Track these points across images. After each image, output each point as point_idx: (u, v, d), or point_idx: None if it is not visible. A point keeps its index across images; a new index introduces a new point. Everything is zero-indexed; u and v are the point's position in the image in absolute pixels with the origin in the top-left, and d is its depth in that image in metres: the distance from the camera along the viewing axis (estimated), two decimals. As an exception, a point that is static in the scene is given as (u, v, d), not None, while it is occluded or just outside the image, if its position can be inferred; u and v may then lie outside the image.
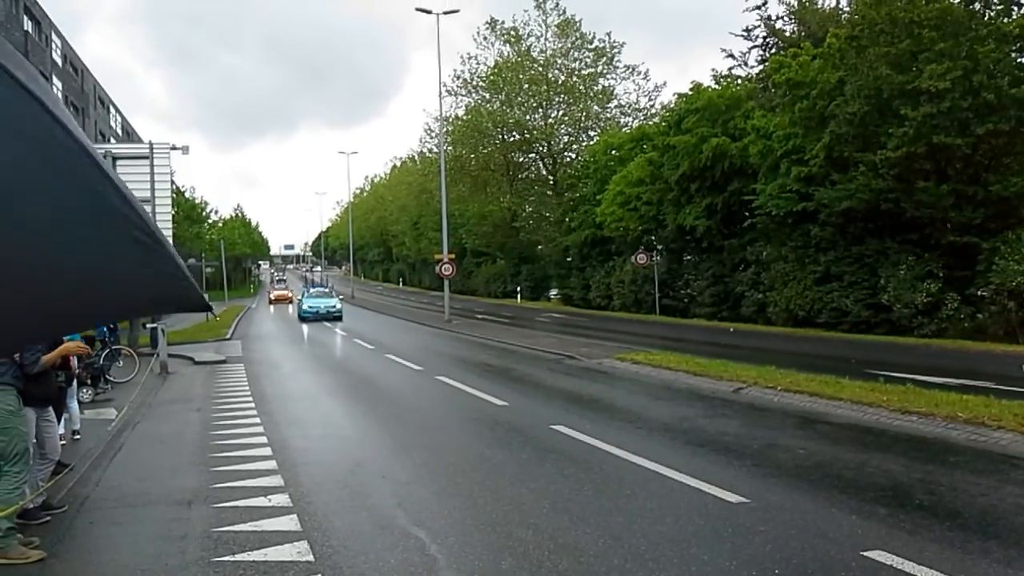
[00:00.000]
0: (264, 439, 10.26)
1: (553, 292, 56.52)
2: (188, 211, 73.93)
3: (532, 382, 16.09)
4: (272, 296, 67.85)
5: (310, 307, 40.97)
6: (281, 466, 8.67)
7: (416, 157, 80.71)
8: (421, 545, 6.01)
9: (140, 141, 56.64)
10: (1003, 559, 5.41)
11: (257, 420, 11.80)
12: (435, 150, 55.57)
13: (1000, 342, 21.12)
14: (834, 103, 25.69)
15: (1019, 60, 23.71)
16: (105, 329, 18.05)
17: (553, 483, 7.76)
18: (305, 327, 36.58)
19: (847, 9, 31.21)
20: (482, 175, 58.30)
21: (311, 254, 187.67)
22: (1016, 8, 23.61)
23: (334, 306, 41.18)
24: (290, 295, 66.91)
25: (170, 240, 21.72)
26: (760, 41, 35.31)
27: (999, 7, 24.02)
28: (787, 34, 34.14)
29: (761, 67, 33.77)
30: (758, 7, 34.79)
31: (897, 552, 5.50)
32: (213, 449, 9.73)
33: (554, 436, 10.07)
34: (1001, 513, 6.51)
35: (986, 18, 24.09)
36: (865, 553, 5.51)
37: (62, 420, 9.26)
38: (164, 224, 22.52)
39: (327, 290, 48.26)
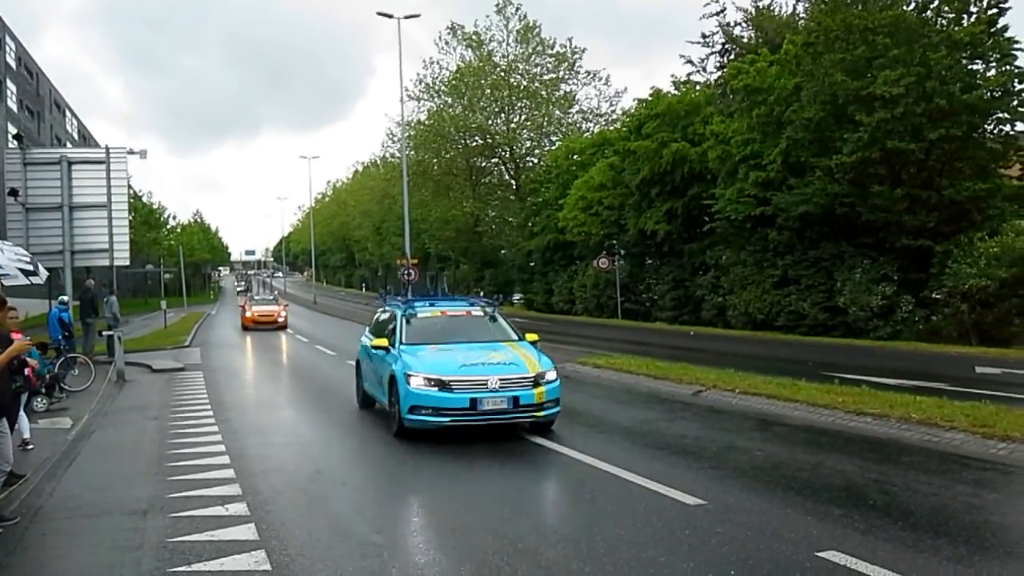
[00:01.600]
0: (222, 447, 10.13)
1: (516, 296, 56.56)
2: (145, 216, 73.01)
3: (494, 387, 16.03)
4: (251, 314, 39.56)
5: (443, 380, 10.08)
6: (239, 475, 8.58)
7: (379, 162, 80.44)
8: (380, 552, 5.99)
9: (97, 145, 55.82)
10: (953, 557, 5.52)
11: (215, 428, 11.65)
12: (397, 155, 55.39)
13: (953, 344, 21.51)
14: (791, 109, 26.04)
15: (970, 67, 24.23)
16: (60, 336, 17.74)
17: (513, 488, 7.77)
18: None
19: (803, 16, 31.70)
20: (445, 180, 58.21)
21: (272, 260, 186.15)
22: (967, 16, 24.11)
23: (526, 373, 10.21)
24: (280, 315, 39.53)
25: (127, 246, 21.28)
26: (718, 47, 35.76)
27: (951, 15, 24.53)
28: (745, 40, 34.57)
29: (719, 73, 34.17)
30: (716, 14, 35.23)
31: (851, 552, 5.57)
32: (170, 458, 9.59)
33: (516, 441, 10.07)
34: (952, 512, 6.64)
35: (938, 26, 24.58)
36: (820, 553, 5.58)
37: (14, 430, 9.09)
38: (121, 230, 22.19)
39: (480, 308, 12.68)
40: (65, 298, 19.61)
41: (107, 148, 22.58)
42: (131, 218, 31.45)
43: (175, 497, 7.68)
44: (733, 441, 9.86)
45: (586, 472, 8.38)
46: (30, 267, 13.63)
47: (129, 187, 30.15)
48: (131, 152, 24.84)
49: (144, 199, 77.36)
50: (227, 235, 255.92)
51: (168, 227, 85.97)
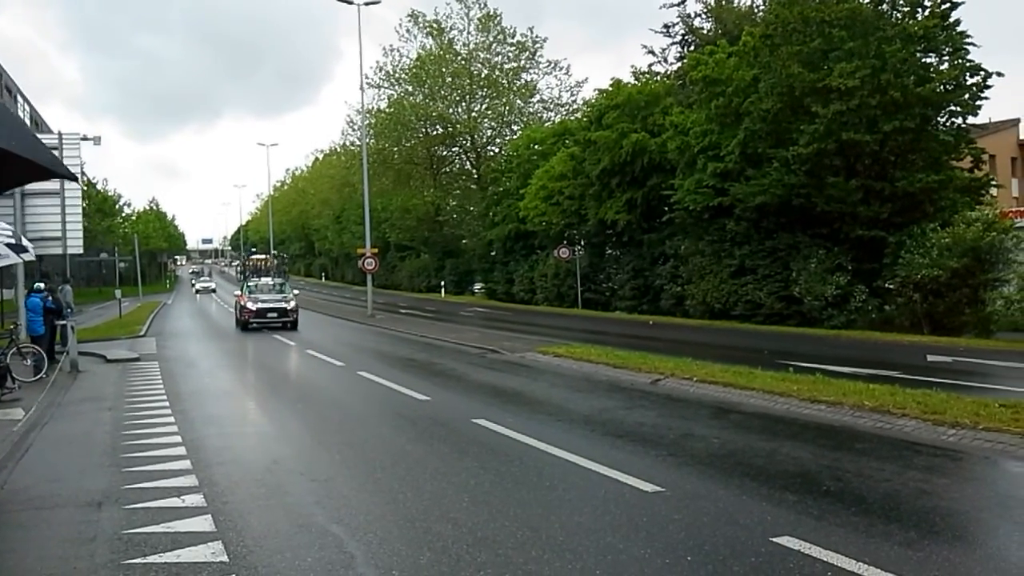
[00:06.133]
0: (178, 438, 10.01)
1: (477, 286, 56.54)
2: (99, 204, 71.70)
3: (455, 376, 16.08)
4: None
5: None
6: (196, 466, 8.48)
7: (339, 149, 79.80)
8: (339, 542, 5.97)
9: (50, 131, 54.62)
10: (904, 541, 5.64)
11: (171, 419, 11.50)
12: (357, 143, 55.01)
13: (906, 333, 21.93)
14: (748, 100, 26.30)
15: (924, 60, 24.64)
16: (24, 325, 17.40)
17: (474, 477, 7.77)
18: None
19: (762, 8, 32.00)
20: (405, 168, 57.98)
21: (230, 248, 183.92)
22: (921, 10, 24.52)
23: None
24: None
25: (81, 234, 20.96)
26: (679, 38, 35.98)
27: (905, 9, 24.94)
28: (705, 32, 34.81)
29: (679, 64, 34.39)
30: (676, 4, 35.43)
31: (805, 537, 5.66)
32: (125, 449, 9.45)
33: (476, 430, 10.09)
34: (903, 498, 6.77)
35: (893, 19, 24.98)
36: (775, 539, 5.66)
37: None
38: (74, 217, 21.78)
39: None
40: (41, 285, 19.45)
41: (60, 134, 22.11)
42: (85, 205, 30.88)
43: (130, 488, 7.58)
44: (690, 429, 9.97)
45: (545, 460, 8.41)
46: (14, 241, 13.33)
47: (83, 174, 29.55)
48: (85, 138, 24.40)
49: (99, 186, 75.93)
50: (184, 223, 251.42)
51: (123, 215, 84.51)
